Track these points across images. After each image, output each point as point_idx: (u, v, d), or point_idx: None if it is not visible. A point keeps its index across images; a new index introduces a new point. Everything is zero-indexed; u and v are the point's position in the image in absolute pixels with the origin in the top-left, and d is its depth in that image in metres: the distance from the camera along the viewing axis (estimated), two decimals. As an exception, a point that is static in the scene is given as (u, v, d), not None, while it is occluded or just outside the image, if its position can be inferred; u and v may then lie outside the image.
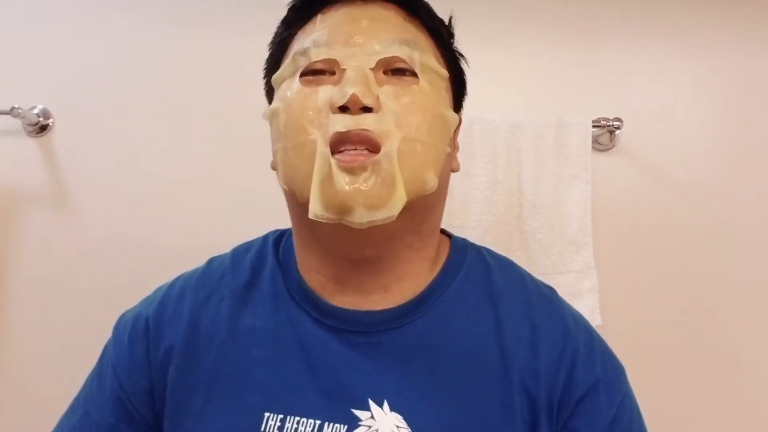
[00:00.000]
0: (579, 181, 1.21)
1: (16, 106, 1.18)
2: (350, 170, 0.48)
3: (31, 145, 1.26)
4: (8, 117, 1.19)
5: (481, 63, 1.29)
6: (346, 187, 0.47)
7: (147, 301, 0.63)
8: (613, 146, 1.29)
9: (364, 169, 0.48)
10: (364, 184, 0.47)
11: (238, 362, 0.56)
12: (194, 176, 1.26)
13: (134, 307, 0.63)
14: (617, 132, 1.27)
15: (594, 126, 1.23)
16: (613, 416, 0.54)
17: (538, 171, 1.21)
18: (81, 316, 1.22)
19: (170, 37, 1.28)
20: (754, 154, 1.29)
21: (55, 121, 1.26)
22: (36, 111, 1.25)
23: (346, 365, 0.54)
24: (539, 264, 1.19)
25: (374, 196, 0.47)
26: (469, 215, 1.20)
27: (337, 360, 0.54)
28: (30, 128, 1.25)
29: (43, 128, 1.26)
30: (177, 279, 0.64)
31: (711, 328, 1.27)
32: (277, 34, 0.59)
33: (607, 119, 1.24)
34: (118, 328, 0.62)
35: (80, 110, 1.26)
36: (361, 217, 0.48)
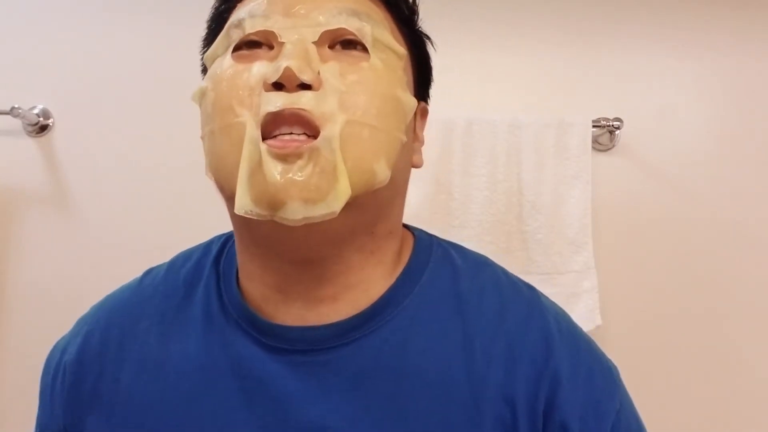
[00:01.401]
0: (579, 181, 1.21)
1: (16, 106, 1.18)
2: (283, 157, 0.40)
3: (31, 145, 1.26)
4: (8, 117, 1.19)
5: (481, 63, 1.30)
6: (278, 178, 0.40)
7: (77, 329, 0.56)
8: (613, 146, 1.29)
9: (299, 156, 0.40)
10: (299, 174, 0.40)
11: (167, 399, 0.48)
12: (194, 176, 1.25)
13: (65, 337, 0.57)
14: (617, 132, 1.27)
15: (594, 126, 1.23)
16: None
17: (538, 171, 1.21)
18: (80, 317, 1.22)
19: (171, 37, 1.28)
20: (754, 153, 1.29)
21: (55, 121, 1.26)
22: (36, 111, 1.25)
23: (289, 393, 0.47)
24: (539, 264, 1.19)
25: (311, 188, 0.40)
26: (469, 215, 1.20)
27: (278, 387, 0.47)
28: (30, 128, 1.25)
29: (43, 128, 1.26)
30: (108, 298, 0.57)
31: (712, 327, 1.27)
32: (215, 7, 0.52)
33: (607, 119, 1.24)
34: (46, 366, 0.56)
35: (80, 110, 1.27)
36: (294, 213, 0.40)
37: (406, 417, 0.46)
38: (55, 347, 0.57)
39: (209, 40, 0.52)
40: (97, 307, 0.57)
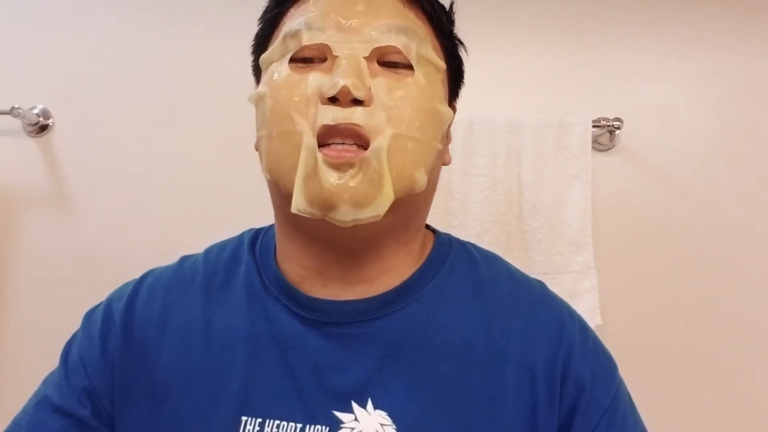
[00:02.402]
0: (579, 181, 1.21)
1: (16, 106, 1.18)
2: (337, 166, 0.46)
3: (31, 145, 1.26)
4: (8, 117, 1.20)
5: (482, 63, 1.30)
6: (332, 184, 0.46)
7: (115, 296, 0.60)
8: (613, 146, 1.29)
9: (351, 165, 0.46)
10: (351, 181, 0.46)
11: (212, 365, 0.53)
12: (194, 176, 1.26)
13: (101, 303, 0.60)
14: (617, 132, 1.27)
15: (594, 126, 1.23)
16: (606, 407, 0.53)
17: (538, 171, 1.21)
18: (80, 317, 1.22)
19: (171, 38, 1.28)
20: (754, 153, 1.29)
21: (55, 121, 1.27)
22: (36, 111, 1.25)
23: (326, 361, 0.52)
24: (539, 264, 1.19)
25: (360, 194, 0.46)
26: (469, 215, 1.20)
27: (316, 356, 0.52)
28: (30, 128, 1.25)
29: (43, 128, 1.26)
30: (146, 275, 0.61)
31: (711, 328, 1.27)
32: (268, 9, 0.57)
33: (607, 119, 1.24)
34: (87, 325, 0.59)
35: (80, 110, 1.27)
36: (345, 215, 0.46)
37: (432, 382, 0.51)
38: (95, 313, 0.59)
39: (260, 39, 0.57)
40: (135, 282, 0.59)
